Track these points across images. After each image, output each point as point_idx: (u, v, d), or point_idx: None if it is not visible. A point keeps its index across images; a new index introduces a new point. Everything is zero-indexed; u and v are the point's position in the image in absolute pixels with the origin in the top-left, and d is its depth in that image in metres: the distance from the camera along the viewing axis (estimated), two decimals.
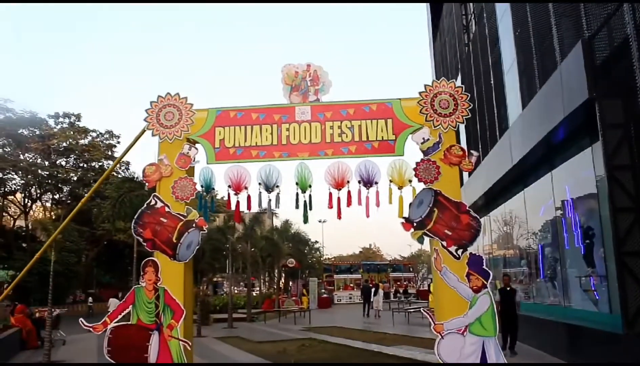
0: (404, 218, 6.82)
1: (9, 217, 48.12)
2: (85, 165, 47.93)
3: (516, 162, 15.25)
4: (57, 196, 49.41)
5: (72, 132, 46.62)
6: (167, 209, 7.01)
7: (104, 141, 48.73)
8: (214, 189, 7.33)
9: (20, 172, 43.75)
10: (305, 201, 7.12)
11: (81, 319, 6.99)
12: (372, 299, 29.89)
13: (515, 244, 18.76)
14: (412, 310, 25.80)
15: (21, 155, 44.81)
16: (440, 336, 6.54)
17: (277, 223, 42.03)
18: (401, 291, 46.09)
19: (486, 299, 6.54)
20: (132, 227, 7.02)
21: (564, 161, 13.35)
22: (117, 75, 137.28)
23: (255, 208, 7.14)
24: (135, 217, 7.07)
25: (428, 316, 6.66)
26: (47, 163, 46.24)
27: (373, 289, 31.26)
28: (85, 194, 43.55)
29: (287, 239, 41.63)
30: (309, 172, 7.13)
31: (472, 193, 24.47)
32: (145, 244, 6.97)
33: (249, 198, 7.14)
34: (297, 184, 7.14)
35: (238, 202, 7.16)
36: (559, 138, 12.74)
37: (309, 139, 7.15)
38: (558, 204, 14.34)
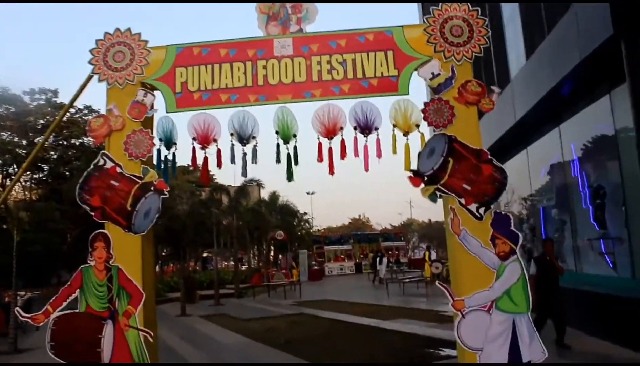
0: (411, 170, 5.51)
1: None
2: (64, 143, 45.91)
3: (519, 118, 14.03)
4: (37, 176, 47.48)
5: (49, 109, 44.60)
6: (118, 170, 5.63)
7: (83, 117, 46.63)
8: (175, 143, 5.93)
9: None
10: (288, 154, 5.75)
11: (17, 308, 5.71)
12: (377, 268, 31.48)
13: (515, 207, 17.66)
14: (407, 281, 24.79)
15: None
16: (460, 315, 5.27)
17: (264, 194, 40.71)
18: (393, 260, 45.59)
19: (516, 268, 5.30)
20: (76, 193, 5.67)
21: (575, 113, 12.15)
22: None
23: (227, 164, 5.76)
24: (80, 181, 5.71)
25: (445, 290, 5.38)
26: (24, 142, 44.25)
27: (378, 258, 32.60)
28: (66, 173, 42.04)
29: (275, 211, 40.47)
30: (292, 119, 5.74)
31: None
32: (93, 213, 5.63)
33: (219, 152, 5.76)
34: (277, 133, 5.77)
35: (206, 158, 5.81)
36: (571, 87, 11.48)
37: (292, 78, 5.75)
38: (566, 161, 13.23)
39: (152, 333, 5.43)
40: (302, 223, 51.34)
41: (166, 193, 5.60)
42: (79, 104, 47.84)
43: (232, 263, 52.75)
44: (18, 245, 13.93)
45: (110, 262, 5.49)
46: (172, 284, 30.50)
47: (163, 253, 45.60)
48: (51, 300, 5.50)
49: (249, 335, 13.50)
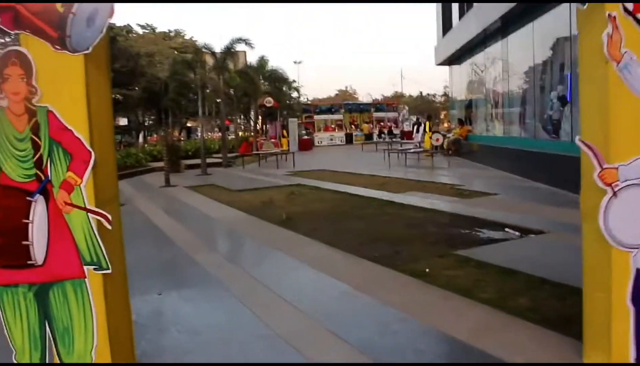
0: None
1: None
2: None
3: None
4: None
5: None
6: None
7: None
8: None
9: None
10: None
11: None
12: (414, 135, 31.60)
13: (539, 74, 15.83)
14: (411, 151, 23.05)
15: None
16: (610, 192, 3.25)
17: (251, 59, 37.74)
18: (385, 131, 44.41)
19: None
20: None
21: None
22: None
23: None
24: None
25: (589, 151, 3.31)
26: None
27: (416, 127, 33.13)
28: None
29: (264, 77, 37.82)
30: None
31: (463, 35, 22.70)
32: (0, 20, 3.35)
33: None
34: None
35: None
36: None
37: None
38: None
39: (109, 217, 3.31)
40: (291, 91, 48.75)
41: None
42: None
43: (218, 133, 50.76)
44: None
45: (35, 101, 3.27)
46: (154, 154, 28.49)
47: (145, 122, 43.31)
48: None
49: (243, 209, 11.66)
